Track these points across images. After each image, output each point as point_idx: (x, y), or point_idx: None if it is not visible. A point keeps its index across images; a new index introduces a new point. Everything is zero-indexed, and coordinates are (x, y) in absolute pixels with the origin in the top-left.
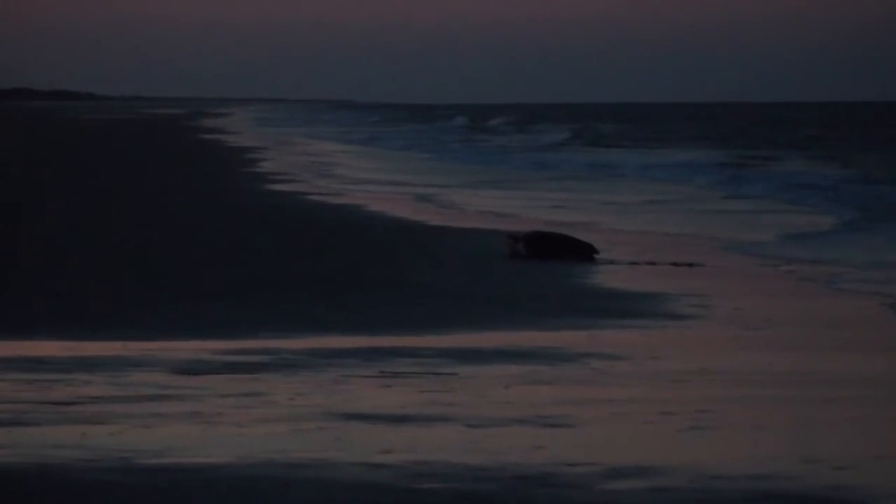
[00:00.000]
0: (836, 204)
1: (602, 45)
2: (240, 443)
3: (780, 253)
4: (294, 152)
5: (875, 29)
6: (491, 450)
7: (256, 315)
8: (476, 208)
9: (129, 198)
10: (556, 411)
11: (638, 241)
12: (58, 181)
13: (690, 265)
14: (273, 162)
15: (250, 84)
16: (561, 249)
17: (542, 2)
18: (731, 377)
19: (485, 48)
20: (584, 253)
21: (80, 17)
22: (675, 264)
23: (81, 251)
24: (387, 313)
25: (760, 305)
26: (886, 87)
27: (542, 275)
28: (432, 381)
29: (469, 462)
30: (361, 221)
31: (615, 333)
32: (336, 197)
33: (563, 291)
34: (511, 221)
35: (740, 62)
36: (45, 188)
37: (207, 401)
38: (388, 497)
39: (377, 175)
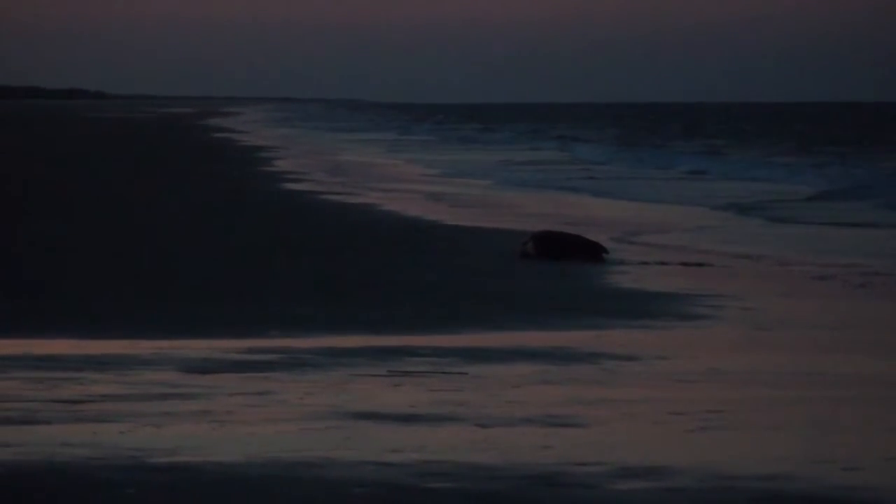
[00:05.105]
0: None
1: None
2: (250, 441)
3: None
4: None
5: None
6: (500, 449)
7: (266, 314)
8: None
9: (140, 196)
10: (565, 411)
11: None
12: (68, 180)
13: (700, 265)
14: (287, 161)
15: (260, 83)
16: (570, 249)
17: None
18: (742, 377)
19: (500, 47)
20: (593, 253)
21: (90, 16)
22: (684, 264)
23: (92, 250)
24: (396, 312)
25: (771, 305)
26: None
27: (552, 274)
28: (442, 380)
29: (478, 461)
30: (373, 220)
31: (625, 333)
32: (348, 196)
33: (572, 291)
34: (522, 222)
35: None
36: (55, 187)
37: (217, 400)
38: (397, 496)
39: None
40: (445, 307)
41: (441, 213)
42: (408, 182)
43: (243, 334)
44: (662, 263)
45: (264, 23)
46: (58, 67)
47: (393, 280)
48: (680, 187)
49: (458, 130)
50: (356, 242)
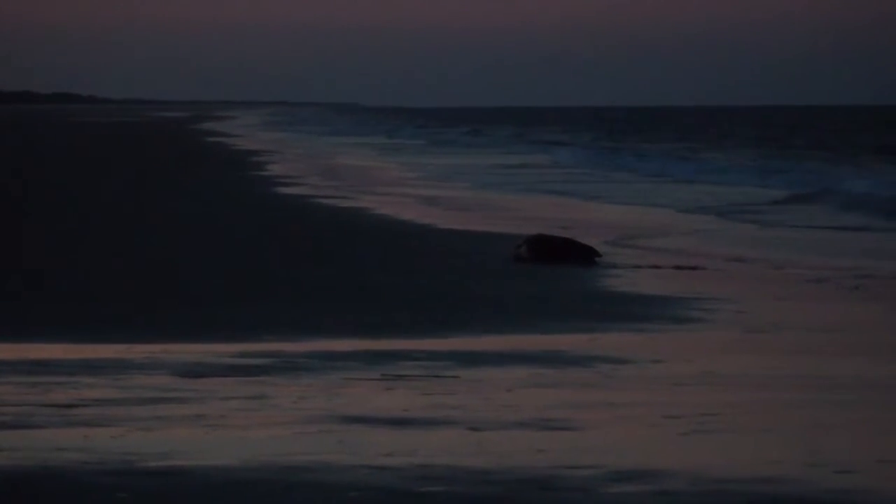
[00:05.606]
0: None
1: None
2: (243, 446)
3: None
4: None
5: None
6: (494, 453)
7: (260, 318)
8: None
9: (133, 201)
10: (558, 414)
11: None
12: (61, 184)
13: (693, 268)
14: (280, 165)
15: (254, 87)
16: (563, 253)
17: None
18: (735, 380)
19: (489, 52)
20: (586, 256)
21: (83, 20)
22: (677, 267)
23: (85, 254)
24: (390, 316)
25: (764, 308)
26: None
27: (545, 278)
28: (435, 384)
29: (472, 465)
30: (367, 224)
31: (618, 337)
32: (342, 200)
33: (565, 295)
34: (514, 225)
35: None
36: (48, 191)
37: (211, 404)
38: (391, 500)
39: None
40: (439, 311)
41: (434, 216)
42: (400, 186)
43: (237, 338)
44: (655, 267)
45: (258, 27)
46: (49, 71)
47: (386, 284)
48: (646, 191)
49: (445, 134)
50: (349, 246)
